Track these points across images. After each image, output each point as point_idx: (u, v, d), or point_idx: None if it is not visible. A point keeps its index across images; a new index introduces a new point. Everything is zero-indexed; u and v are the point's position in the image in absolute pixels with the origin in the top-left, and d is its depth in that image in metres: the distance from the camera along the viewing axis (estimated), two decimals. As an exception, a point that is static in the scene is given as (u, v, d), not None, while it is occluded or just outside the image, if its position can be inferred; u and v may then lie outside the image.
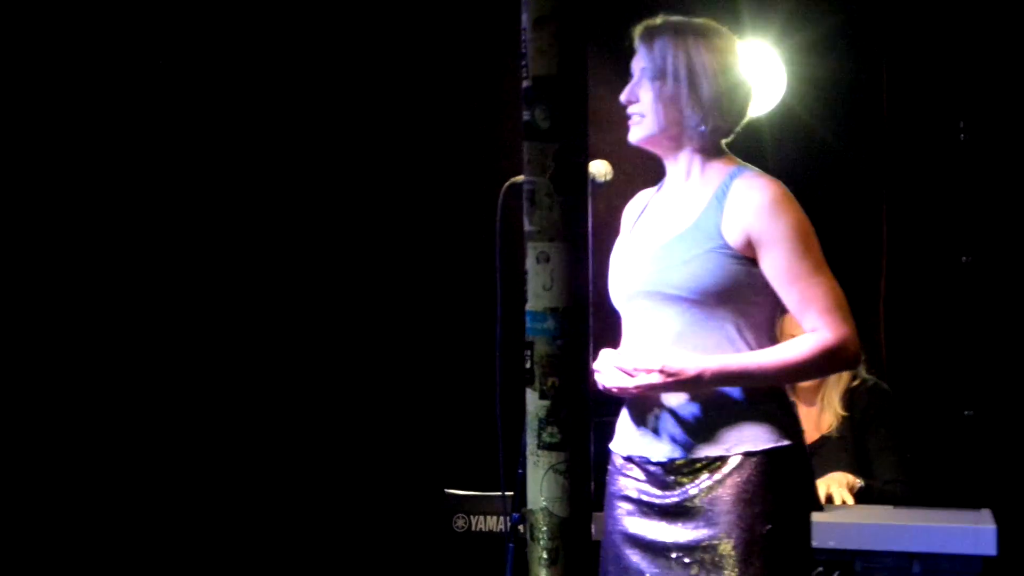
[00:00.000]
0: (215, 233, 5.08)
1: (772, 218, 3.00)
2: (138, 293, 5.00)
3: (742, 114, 3.15)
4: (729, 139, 3.16)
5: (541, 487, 2.00)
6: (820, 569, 3.65)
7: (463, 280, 4.95)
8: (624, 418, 3.14)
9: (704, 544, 2.98)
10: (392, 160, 5.21)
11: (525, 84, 2.01)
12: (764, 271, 3.01)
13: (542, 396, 2.00)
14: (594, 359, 2.93)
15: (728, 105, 3.11)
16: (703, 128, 3.09)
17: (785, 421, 3.05)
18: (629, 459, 3.11)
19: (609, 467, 3.17)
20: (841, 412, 4.38)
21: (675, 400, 3.05)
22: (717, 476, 3.00)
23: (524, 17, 2.00)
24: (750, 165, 3.13)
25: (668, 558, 3.02)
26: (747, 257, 3.01)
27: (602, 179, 3.11)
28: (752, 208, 3.01)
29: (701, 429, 3.03)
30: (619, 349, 3.13)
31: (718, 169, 3.11)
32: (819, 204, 4.91)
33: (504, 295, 3.00)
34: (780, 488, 3.00)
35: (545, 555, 2.00)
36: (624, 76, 3.16)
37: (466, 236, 4.87)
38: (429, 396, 5.14)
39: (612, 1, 3.79)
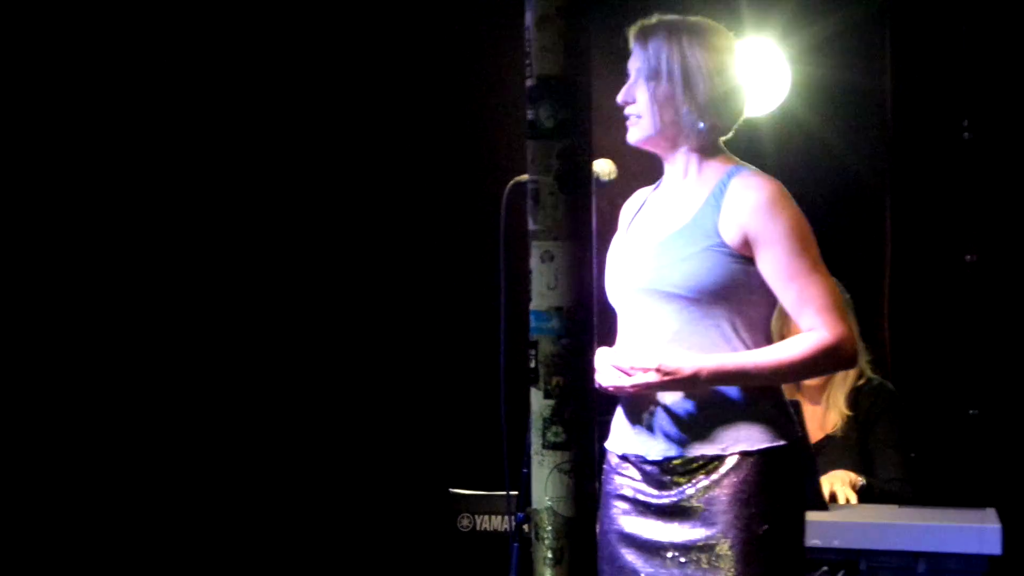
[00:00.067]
0: (218, 233, 5.08)
1: (769, 217, 3.00)
2: (153, 297, 5.01)
3: (739, 112, 3.15)
4: (727, 137, 3.15)
5: (546, 486, 2.00)
6: (825, 568, 3.65)
7: (467, 279, 4.96)
8: (619, 416, 3.14)
9: (701, 544, 2.99)
10: (396, 160, 5.21)
11: (529, 83, 2.01)
12: (761, 270, 3.01)
13: (547, 395, 2.00)
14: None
15: (724, 103, 3.10)
16: (700, 127, 3.09)
17: (781, 421, 3.05)
18: (624, 458, 3.11)
19: (604, 466, 3.17)
20: (846, 411, 4.38)
21: (670, 398, 3.05)
22: (714, 476, 3.00)
23: (528, 16, 2.00)
24: (747, 164, 3.13)
25: (664, 557, 3.03)
26: (744, 256, 3.01)
27: (606, 178, 3.11)
28: (749, 207, 3.01)
29: (697, 428, 3.03)
30: (615, 347, 3.13)
31: (715, 168, 3.11)
32: (823, 203, 4.96)
33: (508, 294, 3.00)
34: (776, 488, 3.01)
35: (550, 554, 2.00)
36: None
37: (470, 235, 4.88)
38: (434, 395, 5.15)
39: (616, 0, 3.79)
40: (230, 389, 5.07)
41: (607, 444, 3.17)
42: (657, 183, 3.24)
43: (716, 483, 2.99)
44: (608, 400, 3.08)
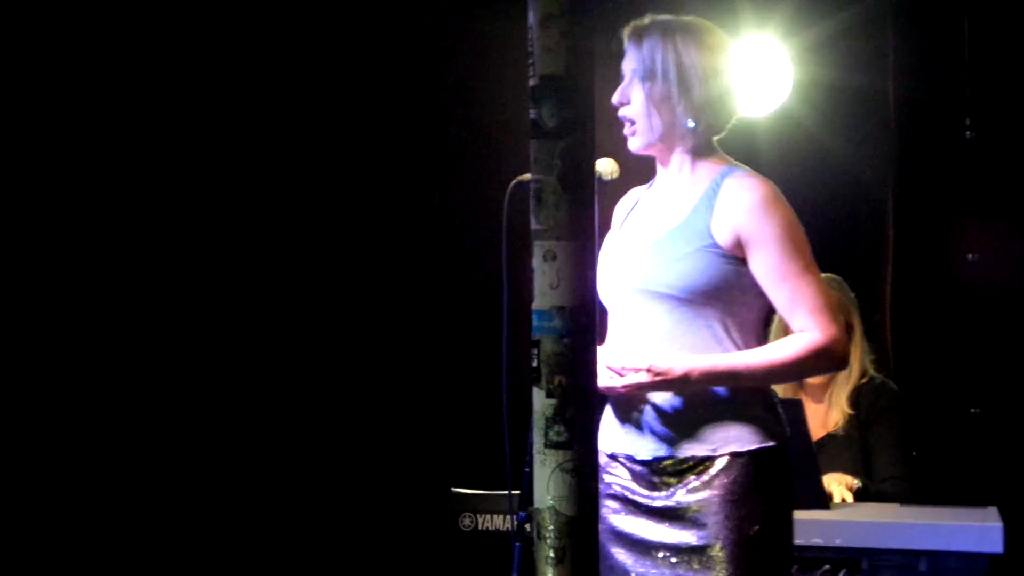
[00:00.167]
0: (219, 233, 5.08)
1: (762, 218, 3.00)
2: (156, 298, 5.01)
3: (733, 112, 3.15)
4: (721, 136, 3.15)
5: (548, 486, 2.00)
6: (827, 567, 3.65)
7: (470, 279, 4.96)
8: (608, 415, 3.14)
9: (692, 546, 2.99)
10: (398, 159, 5.21)
11: (532, 82, 2.01)
12: (753, 270, 3.02)
13: (549, 395, 2.00)
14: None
15: (720, 103, 3.10)
16: (695, 127, 3.09)
17: (771, 422, 3.06)
18: (613, 457, 3.11)
19: None
20: (848, 410, 4.38)
21: (660, 398, 3.05)
22: (705, 477, 3.01)
23: (531, 15, 2.00)
24: (741, 164, 3.13)
25: (655, 557, 3.03)
26: (736, 256, 3.02)
27: (609, 177, 3.11)
28: (742, 207, 3.01)
29: (686, 428, 3.03)
30: (605, 346, 3.13)
31: (709, 168, 3.11)
32: (825, 202, 4.96)
33: (511, 294, 3.00)
34: (767, 489, 3.02)
35: (552, 554, 2.00)
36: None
37: (473, 235, 4.88)
38: (436, 395, 5.15)
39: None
40: (231, 389, 5.07)
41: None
42: (651, 182, 3.24)
43: (707, 484, 3.00)
44: (599, 399, 3.08)
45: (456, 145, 5.20)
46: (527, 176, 2.07)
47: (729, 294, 3.03)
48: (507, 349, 3.01)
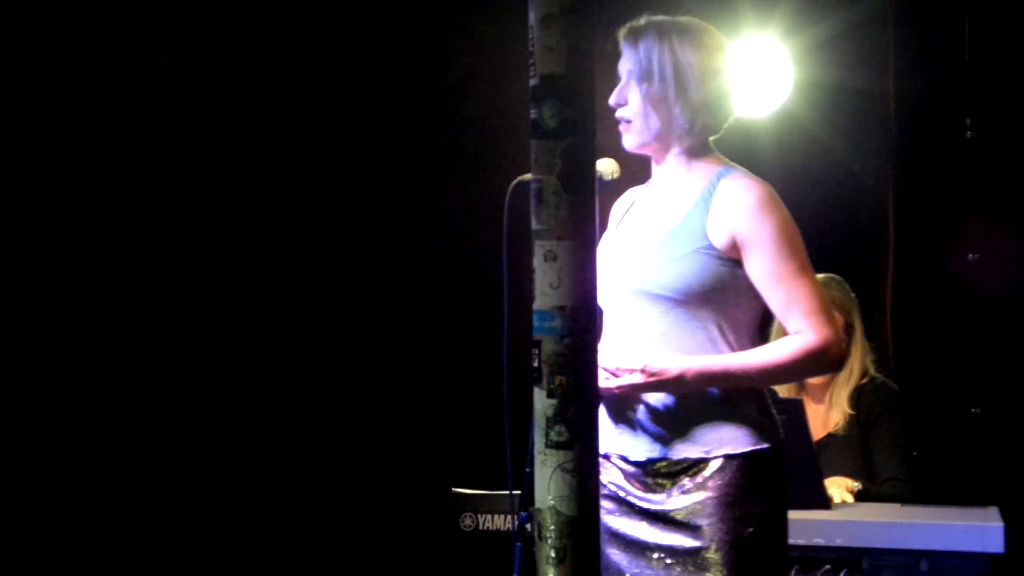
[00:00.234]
0: (220, 233, 5.08)
1: (758, 219, 3.00)
2: (158, 298, 5.01)
3: (730, 112, 3.15)
4: (717, 136, 3.15)
5: (549, 486, 2.00)
6: (827, 567, 3.65)
7: (471, 279, 4.96)
8: (602, 416, 3.13)
9: (687, 548, 2.99)
10: (399, 159, 5.21)
11: (532, 82, 2.01)
12: (749, 272, 3.01)
13: (550, 395, 2.00)
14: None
15: (717, 103, 3.10)
16: (692, 127, 3.09)
17: (764, 424, 3.06)
18: (606, 457, 3.10)
19: None
20: (849, 410, 4.37)
21: (654, 399, 3.05)
22: (698, 479, 3.01)
23: (532, 15, 2.00)
24: (737, 165, 3.13)
25: (649, 558, 3.03)
26: (732, 258, 3.02)
27: (609, 177, 3.11)
28: (738, 209, 3.01)
29: (680, 429, 3.03)
30: (600, 346, 3.12)
31: (705, 169, 3.11)
32: (826, 202, 4.97)
33: (511, 294, 3.00)
34: (760, 491, 3.02)
35: (553, 554, 2.00)
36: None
37: (473, 235, 4.88)
38: (437, 395, 5.15)
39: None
40: (233, 389, 5.07)
41: None
42: (647, 182, 3.24)
43: (700, 486, 3.00)
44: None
45: (457, 145, 5.20)
46: (528, 176, 2.06)
47: (724, 296, 3.03)
48: (508, 349, 3.01)
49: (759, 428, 3.04)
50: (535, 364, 2.01)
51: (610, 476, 3.09)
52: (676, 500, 3.02)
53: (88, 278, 4.91)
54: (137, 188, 4.98)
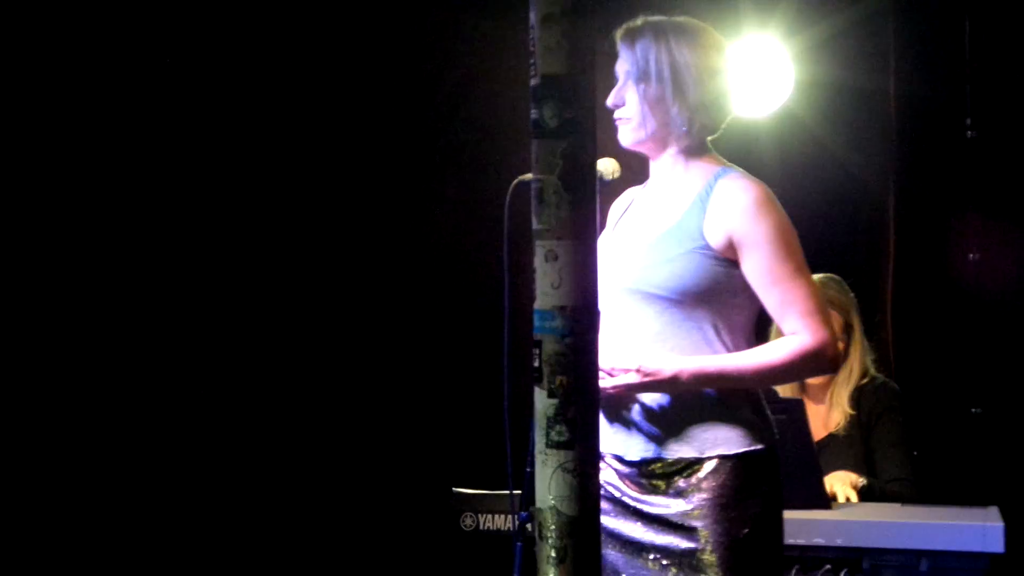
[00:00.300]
0: (220, 233, 5.08)
1: (754, 220, 3.00)
2: (159, 298, 5.01)
3: (728, 111, 3.15)
4: (715, 136, 3.15)
5: (549, 486, 2.00)
6: (828, 567, 3.65)
7: (471, 278, 4.95)
8: None
9: (683, 550, 3.00)
10: (399, 159, 5.21)
11: (533, 82, 2.01)
12: (745, 273, 3.02)
13: (550, 394, 2.00)
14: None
15: (714, 102, 3.10)
16: (690, 127, 3.08)
17: (759, 425, 3.06)
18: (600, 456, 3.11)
19: None
20: (849, 410, 4.37)
21: (649, 399, 3.05)
22: (693, 481, 3.01)
23: (532, 15, 2.00)
24: (734, 165, 3.13)
25: (646, 559, 3.04)
26: (728, 259, 3.02)
27: (610, 177, 3.11)
28: (735, 210, 3.01)
29: (675, 429, 3.03)
30: None
31: (702, 169, 3.11)
32: (826, 201, 4.97)
33: (512, 293, 3.00)
34: (755, 491, 3.02)
35: (553, 554, 2.00)
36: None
37: (474, 234, 4.87)
38: (437, 395, 5.14)
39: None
40: (234, 389, 5.07)
41: None
42: (646, 182, 3.24)
43: (695, 488, 3.00)
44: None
45: (457, 145, 5.20)
46: (528, 176, 2.07)
47: (720, 296, 3.03)
48: (508, 349, 3.01)
49: (753, 429, 3.04)
50: (536, 364, 2.01)
51: (605, 476, 3.09)
52: (671, 501, 3.02)
53: (88, 278, 4.90)
54: (138, 187, 4.97)
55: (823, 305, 3.04)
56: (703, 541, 2.98)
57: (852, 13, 4.91)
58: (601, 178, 3.04)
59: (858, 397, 4.40)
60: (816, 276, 4.17)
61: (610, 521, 3.07)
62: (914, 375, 4.81)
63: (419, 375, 5.17)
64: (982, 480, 4.67)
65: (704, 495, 2.99)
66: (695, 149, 3.12)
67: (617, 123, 3.13)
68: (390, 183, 5.20)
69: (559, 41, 1.98)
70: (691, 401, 3.02)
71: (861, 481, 4.18)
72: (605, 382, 2.99)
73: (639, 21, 3.12)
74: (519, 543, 3.03)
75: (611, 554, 3.07)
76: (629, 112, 3.11)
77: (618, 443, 3.07)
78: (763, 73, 4.78)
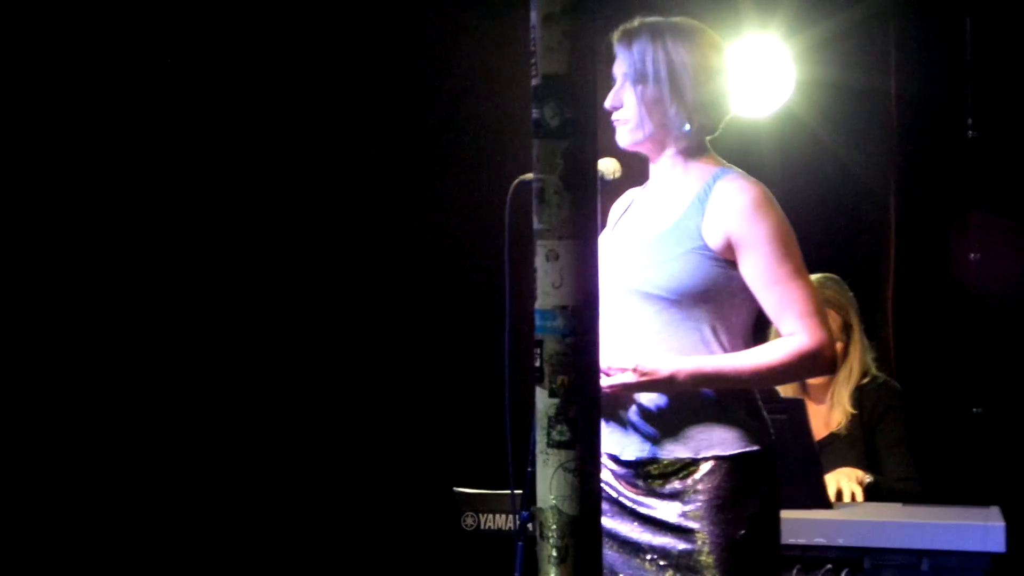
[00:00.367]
0: (221, 232, 5.08)
1: (753, 221, 3.00)
2: (161, 298, 5.02)
3: (726, 111, 3.15)
4: (714, 135, 3.15)
5: (550, 485, 2.00)
6: (829, 566, 3.65)
7: (472, 278, 4.95)
8: None
9: (680, 551, 3.00)
10: (400, 159, 5.20)
11: (534, 82, 2.01)
12: (743, 273, 3.02)
13: (551, 394, 2.00)
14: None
15: (712, 102, 3.10)
16: (688, 128, 3.08)
17: (755, 426, 3.06)
18: None
19: None
20: (850, 410, 4.37)
21: (645, 399, 3.05)
22: (688, 482, 3.01)
23: (533, 15, 2.00)
24: (732, 166, 3.13)
25: (643, 559, 3.04)
26: (726, 259, 3.02)
27: (611, 177, 3.11)
28: (733, 210, 3.01)
29: (670, 429, 3.03)
30: None
31: (701, 169, 3.11)
32: (827, 201, 4.97)
33: (513, 293, 3.00)
34: (751, 493, 3.02)
35: (555, 553, 2.00)
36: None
37: (475, 234, 4.87)
38: (438, 394, 5.14)
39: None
40: (234, 389, 5.07)
41: None
42: (646, 183, 3.24)
43: (691, 489, 3.00)
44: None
45: (457, 145, 5.20)
46: (529, 175, 2.07)
47: (718, 296, 3.03)
48: (509, 348, 3.01)
49: (748, 430, 3.04)
50: (537, 364, 2.01)
51: (602, 475, 3.09)
52: (667, 503, 3.02)
53: (87, 278, 4.90)
54: (139, 187, 4.97)
55: (821, 306, 3.04)
56: (700, 543, 2.98)
57: (853, 13, 4.91)
58: (602, 177, 3.05)
59: (860, 396, 4.40)
60: (815, 276, 4.19)
61: (607, 521, 3.07)
62: (915, 375, 4.81)
63: (420, 375, 5.17)
64: (983, 480, 4.67)
65: (700, 497, 2.99)
66: (694, 149, 3.12)
67: (615, 125, 3.13)
68: (391, 183, 5.20)
69: (560, 40, 1.98)
70: (687, 402, 3.02)
71: (868, 478, 4.18)
72: (601, 381, 2.99)
73: (635, 22, 3.12)
74: (520, 542, 3.03)
75: (609, 554, 3.07)
76: (627, 114, 3.11)
77: (613, 443, 3.07)
78: (764, 73, 4.77)
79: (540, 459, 2.01)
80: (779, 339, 3.03)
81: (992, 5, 4.83)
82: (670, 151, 3.12)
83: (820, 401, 4.43)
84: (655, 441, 3.04)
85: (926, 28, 4.93)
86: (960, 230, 4.87)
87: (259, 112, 5.09)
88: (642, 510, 3.04)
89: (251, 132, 5.09)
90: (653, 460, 3.04)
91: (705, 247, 3.01)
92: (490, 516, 3.95)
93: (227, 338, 5.08)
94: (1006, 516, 3.66)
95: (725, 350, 3.03)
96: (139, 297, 4.99)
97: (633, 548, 3.05)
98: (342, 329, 5.19)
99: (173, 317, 5.03)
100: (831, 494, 4.00)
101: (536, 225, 2.02)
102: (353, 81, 5.18)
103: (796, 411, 3.87)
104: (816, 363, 3.03)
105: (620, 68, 3.12)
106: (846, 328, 4.39)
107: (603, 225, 3.25)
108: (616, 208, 3.28)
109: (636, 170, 3.26)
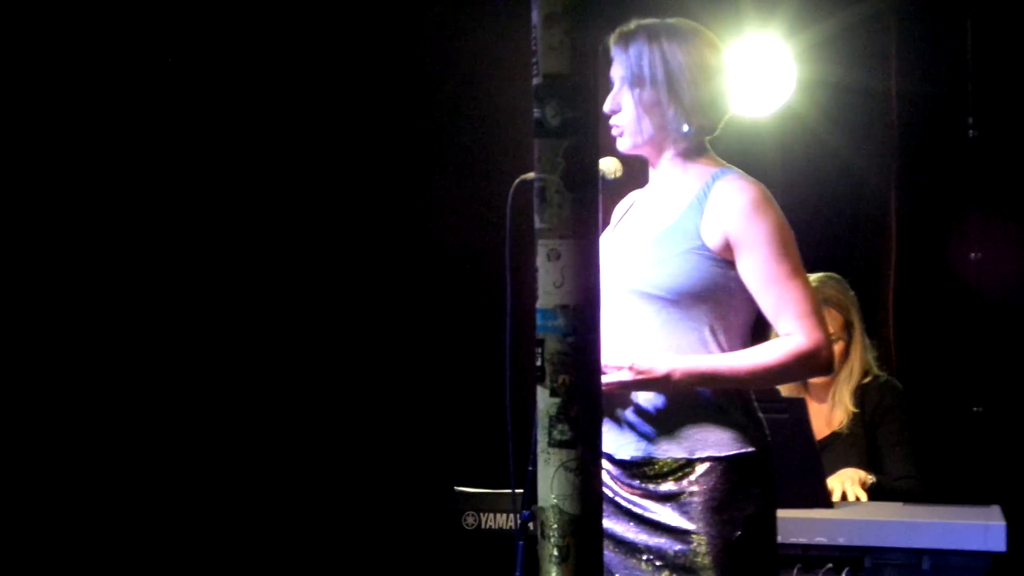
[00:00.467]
0: (221, 232, 5.08)
1: (751, 221, 3.00)
2: (161, 298, 5.02)
3: (725, 111, 3.15)
4: (713, 136, 3.15)
5: (551, 484, 2.00)
6: (830, 566, 3.65)
7: (473, 277, 4.96)
8: None
9: (676, 551, 3.00)
10: (401, 158, 5.21)
11: (535, 81, 2.01)
12: (741, 273, 3.01)
13: (553, 393, 2.00)
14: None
15: (710, 103, 3.10)
16: (686, 129, 3.08)
17: (750, 428, 3.06)
18: None
19: None
20: (852, 408, 4.37)
21: (641, 398, 3.05)
22: (684, 483, 3.01)
23: (534, 14, 2.00)
24: (732, 166, 3.13)
25: (639, 559, 3.04)
26: (725, 259, 3.02)
27: (612, 176, 3.11)
28: (732, 210, 3.01)
29: (666, 429, 3.04)
30: None
31: (700, 170, 3.11)
32: (828, 200, 4.97)
33: (514, 292, 3.00)
34: (747, 494, 3.02)
35: (555, 552, 2.00)
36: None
37: (476, 234, 4.88)
38: (439, 393, 5.15)
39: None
40: (235, 389, 5.07)
41: None
42: (647, 185, 3.25)
43: (687, 490, 3.00)
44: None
45: (458, 144, 5.20)
46: (530, 175, 2.07)
47: (717, 296, 3.03)
48: (510, 348, 3.01)
49: (744, 432, 3.04)
50: (538, 363, 2.01)
51: None
52: (663, 504, 3.02)
53: (87, 278, 4.91)
54: (139, 188, 4.98)
55: (818, 307, 3.04)
56: (696, 544, 2.98)
57: (854, 12, 4.91)
58: (603, 177, 3.05)
59: (861, 395, 4.40)
60: (816, 275, 4.19)
61: (603, 521, 3.06)
62: (916, 374, 4.81)
63: (421, 374, 5.18)
64: (984, 479, 4.67)
65: (696, 498, 2.99)
66: (693, 150, 3.12)
67: (613, 129, 3.13)
68: (391, 183, 5.20)
69: (561, 40, 1.98)
70: (683, 402, 3.02)
71: (870, 479, 4.18)
72: None
73: (631, 25, 3.12)
74: (521, 542, 3.03)
75: (605, 554, 3.06)
76: (625, 118, 3.11)
77: (609, 442, 3.07)
78: (765, 72, 4.78)
79: (541, 458, 2.01)
80: (776, 339, 3.03)
81: (993, 5, 4.83)
82: (669, 153, 3.12)
83: (821, 400, 4.43)
84: (651, 441, 3.04)
85: (926, 28, 4.93)
86: (961, 229, 4.87)
87: (260, 112, 5.09)
88: (638, 510, 3.04)
89: (252, 132, 5.09)
90: (649, 460, 3.04)
91: (704, 247, 3.02)
92: (491, 515, 3.95)
93: (228, 338, 5.08)
94: (1007, 515, 3.66)
95: (723, 350, 3.03)
96: (140, 297, 4.99)
97: (629, 548, 3.05)
98: (343, 329, 5.19)
99: (174, 317, 5.03)
100: (834, 496, 4.00)
101: (537, 224, 2.02)
102: (353, 81, 5.18)
103: (797, 410, 3.87)
104: (813, 363, 3.02)
105: (617, 71, 3.12)
106: (847, 327, 4.39)
107: (605, 225, 3.25)
108: (618, 209, 3.28)
109: (637, 171, 3.26)
